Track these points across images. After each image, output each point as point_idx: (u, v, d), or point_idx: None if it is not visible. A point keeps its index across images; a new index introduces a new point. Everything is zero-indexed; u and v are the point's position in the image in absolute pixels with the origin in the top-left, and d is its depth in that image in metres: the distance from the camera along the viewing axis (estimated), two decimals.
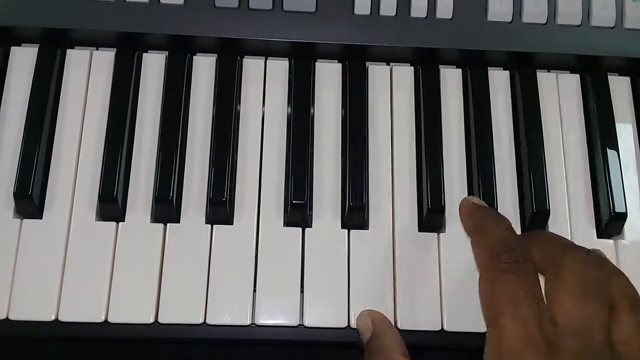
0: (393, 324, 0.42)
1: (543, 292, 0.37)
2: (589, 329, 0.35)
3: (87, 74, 0.47)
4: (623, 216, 0.45)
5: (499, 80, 0.49)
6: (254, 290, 0.43)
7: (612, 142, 0.47)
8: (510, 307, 0.35)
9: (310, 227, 0.44)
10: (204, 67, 0.48)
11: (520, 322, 0.34)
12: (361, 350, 0.41)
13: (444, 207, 0.44)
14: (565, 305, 0.35)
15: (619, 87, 0.50)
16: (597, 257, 0.37)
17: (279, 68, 0.48)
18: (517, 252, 0.37)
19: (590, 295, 0.35)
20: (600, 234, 0.46)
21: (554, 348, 0.34)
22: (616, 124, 0.48)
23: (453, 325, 0.42)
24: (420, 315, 0.43)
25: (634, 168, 0.47)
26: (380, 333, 0.40)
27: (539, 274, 0.38)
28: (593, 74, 0.49)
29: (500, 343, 0.35)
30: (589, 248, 0.39)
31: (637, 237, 0.46)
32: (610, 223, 0.45)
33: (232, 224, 0.44)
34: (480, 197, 0.45)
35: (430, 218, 0.45)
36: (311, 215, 0.45)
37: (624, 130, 0.48)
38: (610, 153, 0.47)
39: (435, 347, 0.44)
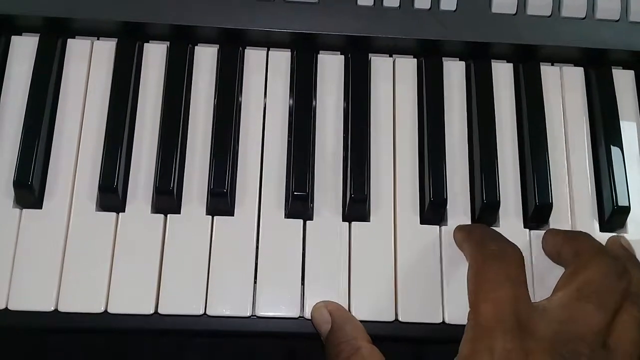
0: (394, 315, 0.42)
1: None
2: (571, 321, 0.36)
3: (88, 63, 0.47)
4: (626, 210, 0.45)
5: (502, 73, 0.49)
6: (255, 282, 0.43)
7: (615, 135, 0.47)
8: (489, 291, 0.37)
9: (312, 218, 0.44)
10: (205, 58, 0.48)
11: (495, 302, 0.36)
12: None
13: (445, 200, 0.44)
14: (562, 299, 0.37)
15: (623, 80, 0.49)
16: (621, 268, 0.38)
17: (281, 59, 0.48)
18: (503, 242, 0.39)
19: (591, 297, 0.36)
20: (603, 228, 0.46)
21: (526, 330, 0.35)
22: (620, 118, 0.48)
23: (454, 317, 0.42)
24: (421, 307, 0.43)
25: (638, 161, 0.47)
26: (341, 323, 0.40)
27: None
28: (597, 68, 0.49)
29: (475, 324, 0.36)
30: (620, 253, 0.41)
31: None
32: (613, 217, 0.45)
33: (233, 215, 0.44)
34: (482, 190, 0.44)
35: (432, 211, 0.44)
36: (312, 207, 0.45)
37: (628, 124, 0.48)
38: (614, 146, 0.47)
39: (438, 340, 0.44)
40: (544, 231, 0.44)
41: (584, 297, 0.37)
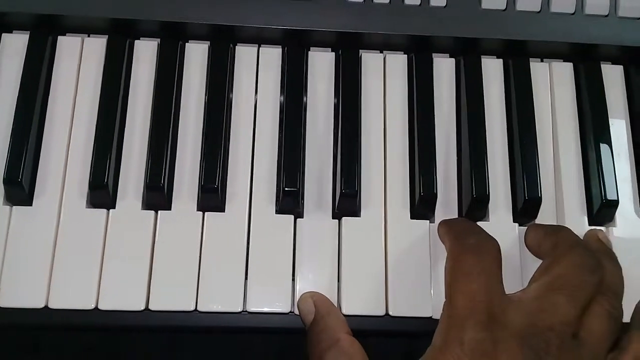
0: (385, 309, 0.42)
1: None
2: (542, 312, 0.36)
3: (79, 61, 0.47)
4: (614, 203, 0.45)
5: (492, 69, 0.49)
6: (246, 278, 0.43)
7: (604, 130, 0.47)
8: (463, 283, 0.37)
9: (302, 214, 0.44)
10: (196, 54, 0.48)
11: (468, 295, 0.36)
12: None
13: (435, 195, 0.44)
14: (535, 291, 0.38)
15: (612, 75, 0.49)
16: (594, 263, 0.39)
17: (272, 56, 0.48)
18: (481, 236, 0.40)
19: (563, 289, 0.37)
20: (592, 222, 0.46)
21: (497, 321, 0.36)
22: (609, 113, 0.48)
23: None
24: (411, 302, 0.43)
25: (626, 156, 0.47)
26: (323, 314, 0.41)
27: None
28: (586, 63, 0.49)
29: (448, 315, 0.37)
30: (596, 246, 0.41)
31: (629, 224, 0.46)
32: (601, 210, 0.45)
33: (224, 212, 0.44)
34: (472, 185, 0.45)
35: (422, 206, 0.44)
36: (303, 203, 0.45)
37: (617, 119, 0.48)
38: (603, 141, 0.47)
39: (429, 334, 0.44)
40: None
41: (556, 288, 0.37)
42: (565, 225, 0.43)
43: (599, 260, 0.39)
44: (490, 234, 0.41)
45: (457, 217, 0.45)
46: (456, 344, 0.35)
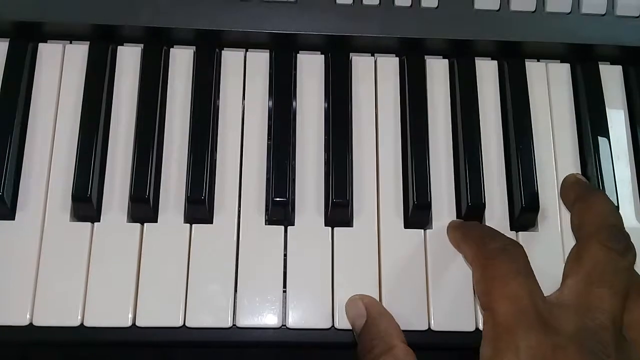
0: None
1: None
2: (590, 311, 0.34)
3: (60, 68, 0.45)
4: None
5: (486, 71, 0.48)
6: (235, 292, 0.41)
7: (603, 132, 0.46)
8: (500, 287, 0.35)
9: (293, 224, 0.43)
10: (181, 60, 0.46)
11: (511, 299, 0.34)
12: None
13: (430, 202, 0.43)
14: (574, 287, 0.36)
15: (611, 76, 0.48)
16: (624, 245, 0.37)
17: (260, 60, 0.47)
18: (502, 237, 0.38)
19: (602, 281, 0.35)
20: None
21: (548, 324, 0.34)
22: (607, 114, 0.47)
23: (441, 324, 0.41)
24: (407, 314, 0.42)
25: (626, 158, 0.46)
26: (376, 318, 0.39)
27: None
28: (584, 63, 0.48)
29: (494, 324, 0.34)
30: (620, 229, 0.39)
31: (628, 228, 0.44)
32: None
33: (212, 223, 0.43)
34: (467, 192, 0.43)
35: (416, 214, 0.43)
36: (293, 213, 0.44)
37: (616, 120, 0.47)
38: (602, 143, 0.46)
39: (423, 346, 0.43)
40: (532, 232, 0.44)
41: (595, 282, 0.35)
42: (606, 215, 0.40)
43: (628, 239, 0.37)
44: None
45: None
46: (511, 353, 0.33)
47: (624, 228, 0.39)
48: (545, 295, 0.36)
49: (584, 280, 0.36)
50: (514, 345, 0.33)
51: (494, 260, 0.36)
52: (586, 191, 0.42)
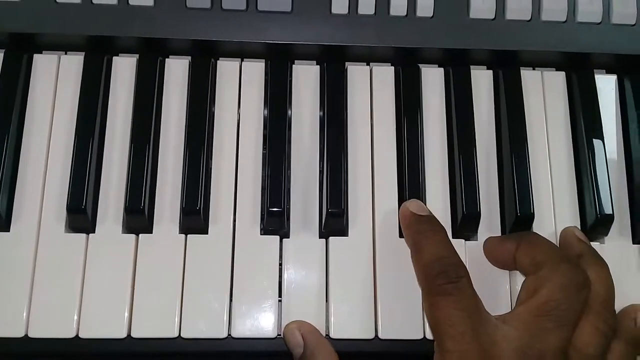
0: (374, 332, 0.41)
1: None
2: (532, 340, 0.36)
3: (55, 79, 0.45)
4: (610, 218, 0.44)
5: (482, 80, 0.48)
6: (230, 302, 0.41)
7: (598, 141, 0.46)
8: (448, 328, 0.36)
9: (288, 235, 0.43)
10: (176, 70, 0.46)
11: (455, 339, 0.36)
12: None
13: None
14: (523, 316, 0.37)
15: (606, 84, 0.48)
16: (581, 280, 0.38)
17: (255, 70, 0.47)
18: (451, 271, 0.38)
19: (551, 315, 0.36)
20: (587, 235, 0.44)
21: (489, 357, 0.35)
22: (603, 122, 0.46)
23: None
24: (402, 324, 0.42)
25: (621, 166, 0.46)
26: (313, 349, 0.39)
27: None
28: (579, 72, 0.48)
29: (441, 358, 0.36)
30: (580, 246, 0.41)
31: (618, 238, 0.45)
32: (596, 225, 0.44)
33: (207, 234, 0.43)
34: (462, 201, 0.43)
35: None
36: (289, 223, 0.43)
37: (611, 129, 0.47)
38: (597, 153, 0.45)
39: (419, 356, 0.43)
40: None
41: (544, 314, 0.37)
42: (553, 244, 0.41)
43: (586, 276, 0.38)
44: (478, 254, 0.41)
45: (450, 234, 0.43)
46: None
47: (580, 259, 0.40)
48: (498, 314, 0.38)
49: (534, 311, 0.37)
50: None
51: (440, 298, 0.37)
52: (523, 235, 0.42)
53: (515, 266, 0.41)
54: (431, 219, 0.41)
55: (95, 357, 0.42)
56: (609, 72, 0.49)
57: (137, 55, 0.46)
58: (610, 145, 0.46)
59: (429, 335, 0.41)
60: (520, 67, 0.48)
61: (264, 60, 0.47)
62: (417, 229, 0.41)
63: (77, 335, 0.40)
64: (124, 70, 0.46)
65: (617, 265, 0.42)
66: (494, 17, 0.46)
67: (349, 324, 0.41)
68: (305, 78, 0.47)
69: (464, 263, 0.39)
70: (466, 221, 0.43)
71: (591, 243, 0.43)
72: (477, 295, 0.38)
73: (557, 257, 0.39)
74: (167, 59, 0.47)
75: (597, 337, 0.37)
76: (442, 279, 0.37)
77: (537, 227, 0.44)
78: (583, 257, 0.40)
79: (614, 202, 0.44)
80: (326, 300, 0.42)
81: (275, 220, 0.43)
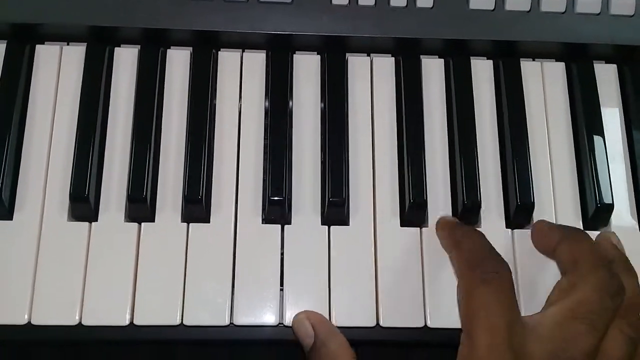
0: (375, 320, 0.41)
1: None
2: (564, 343, 0.36)
3: (57, 70, 0.46)
4: (610, 207, 0.44)
5: (482, 70, 0.48)
6: (232, 290, 0.42)
7: (598, 131, 0.46)
8: (483, 318, 0.36)
9: (290, 223, 0.43)
10: (178, 61, 0.47)
11: (490, 331, 0.35)
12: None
13: (426, 201, 0.43)
14: (556, 317, 0.37)
15: (606, 75, 0.48)
16: (617, 287, 0.38)
17: (256, 61, 0.47)
18: (494, 262, 0.38)
19: (584, 318, 0.36)
20: (587, 226, 0.45)
21: (519, 357, 0.35)
22: (602, 113, 0.47)
23: (436, 321, 0.41)
24: (403, 312, 0.42)
25: (621, 157, 0.46)
26: (325, 339, 0.39)
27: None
28: (579, 62, 0.48)
29: (470, 351, 0.36)
30: (614, 252, 0.40)
31: (624, 228, 0.45)
32: (596, 214, 0.44)
33: (209, 222, 0.43)
34: (463, 191, 0.44)
35: (412, 213, 0.43)
36: (290, 212, 0.44)
37: (611, 119, 0.47)
38: (597, 142, 0.46)
39: (421, 344, 0.43)
40: (527, 230, 0.44)
41: (578, 317, 0.36)
42: (597, 248, 0.41)
43: (621, 283, 0.38)
44: None
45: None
46: None
47: (621, 264, 0.40)
48: (530, 314, 0.38)
49: (567, 312, 0.37)
50: None
51: (479, 289, 0.37)
52: (572, 231, 0.42)
53: (555, 257, 0.41)
54: (469, 226, 0.42)
55: (98, 344, 0.42)
56: (608, 62, 0.49)
57: (139, 46, 0.47)
58: (611, 134, 0.47)
59: (430, 324, 0.42)
60: (520, 58, 0.48)
61: (265, 51, 0.47)
62: (458, 230, 0.42)
63: (80, 323, 0.40)
64: (125, 60, 0.46)
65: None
66: (493, 7, 0.47)
67: (351, 311, 0.42)
68: (306, 68, 0.47)
69: None
70: (467, 210, 0.44)
71: (593, 232, 0.44)
72: (515, 294, 0.38)
73: (595, 260, 0.39)
74: (168, 50, 0.47)
75: (623, 343, 0.37)
76: (485, 268, 0.37)
77: (537, 216, 0.44)
78: (615, 263, 0.40)
79: (616, 192, 0.44)
80: (328, 288, 0.42)
81: (276, 209, 0.43)
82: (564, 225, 0.43)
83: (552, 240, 0.41)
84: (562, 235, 0.41)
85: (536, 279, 0.43)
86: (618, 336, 0.37)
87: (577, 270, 0.38)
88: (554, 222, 0.45)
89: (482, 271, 0.37)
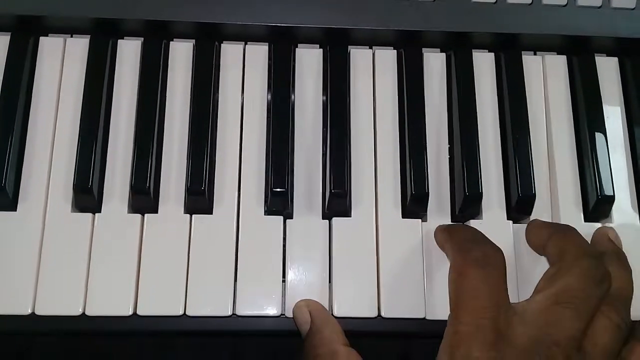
0: (377, 311, 0.42)
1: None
2: (547, 326, 0.36)
3: (61, 62, 0.46)
4: (611, 199, 0.44)
5: (483, 63, 0.48)
6: (235, 281, 0.42)
7: (599, 124, 0.46)
8: (471, 300, 0.37)
9: (292, 215, 0.44)
10: (181, 53, 0.47)
11: (476, 312, 0.36)
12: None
13: (427, 193, 0.43)
14: (541, 303, 0.37)
15: (607, 67, 0.49)
16: (602, 274, 0.38)
17: (259, 53, 0.47)
18: (487, 247, 0.39)
19: (569, 303, 0.37)
20: (588, 218, 0.45)
21: (503, 339, 0.36)
22: (604, 106, 0.47)
23: (436, 313, 0.42)
24: (404, 303, 0.42)
25: (622, 150, 0.47)
26: (319, 325, 0.40)
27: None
28: (580, 55, 0.48)
29: (455, 331, 0.37)
30: (607, 246, 0.41)
31: (625, 220, 0.45)
32: (597, 206, 0.44)
33: (212, 214, 0.43)
34: (464, 183, 0.44)
35: (414, 205, 0.44)
36: (292, 204, 0.44)
37: (612, 112, 0.47)
38: (598, 135, 0.46)
39: (422, 335, 0.43)
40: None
41: (562, 302, 0.37)
42: (586, 241, 0.41)
43: (607, 271, 0.38)
44: (484, 232, 0.41)
45: (450, 215, 0.44)
46: None
47: (604, 261, 0.40)
48: (517, 301, 0.38)
49: (552, 298, 0.37)
50: (467, 355, 0.35)
51: (470, 269, 0.38)
52: (561, 226, 0.42)
53: (545, 252, 0.42)
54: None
55: (101, 334, 0.42)
56: (609, 55, 0.49)
57: (142, 38, 0.47)
58: (612, 127, 0.47)
59: (431, 315, 0.42)
60: (522, 51, 0.48)
61: (267, 44, 0.47)
62: (451, 225, 0.43)
63: (83, 313, 0.41)
64: (129, 52, 0.46)
65: (624, 249, 0.43)
66: (495, 0, 0.47)
67: (352, 302, 0.42)
68: (309, 61, 0.47)
69: None
70: (468, 202, 0.44)
71: (594, 224, 0.44)
72: (505, 278, 0.38)
73: (580, 250, 0.39)
74: (171, 42, 0.47)
75: (610, 329, 0.37)
76: (477, 252, 0.38)
77: (538, 208, 0.45)
78: (606, 254, 0.41)
79: (617, 184, 0.45)
80: (329, 279, 0.42)
81: (278, 200, 0.43)
82: (555, 223, 0.43)
83: (542, 236, 0.42)
84: (552, 231, 0.41)
85: (536, 270, 0.43)
86: (605, 322, 0.37)
87: (563, 260, 0.39)
88: (556, 213, 0.45)
89: (474, 254, 0.38)
